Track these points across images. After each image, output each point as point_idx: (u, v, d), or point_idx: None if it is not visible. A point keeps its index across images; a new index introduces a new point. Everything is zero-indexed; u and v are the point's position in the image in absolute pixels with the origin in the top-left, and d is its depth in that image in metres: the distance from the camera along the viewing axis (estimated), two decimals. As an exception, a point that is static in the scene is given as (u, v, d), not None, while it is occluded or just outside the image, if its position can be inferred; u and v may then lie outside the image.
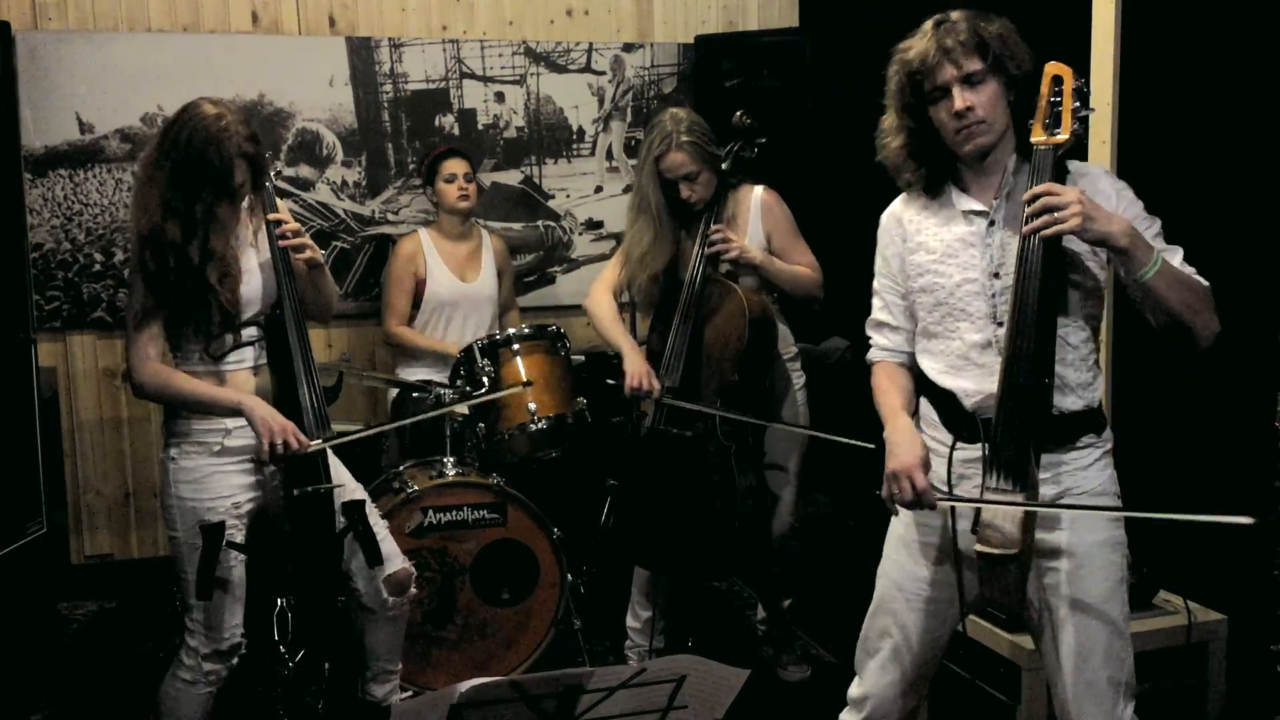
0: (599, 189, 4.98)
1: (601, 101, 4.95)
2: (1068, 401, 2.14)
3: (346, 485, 2.87)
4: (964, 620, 2.38)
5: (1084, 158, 3.03)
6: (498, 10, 4.83)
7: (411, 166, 4.70)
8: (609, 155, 4.98)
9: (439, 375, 4.01)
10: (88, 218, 4.43)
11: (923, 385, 2.30)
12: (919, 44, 2.12)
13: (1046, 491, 2.14)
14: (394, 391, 4.15)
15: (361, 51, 4.65)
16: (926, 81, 2.11)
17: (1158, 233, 2.11)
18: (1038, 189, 2.01)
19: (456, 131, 4.79)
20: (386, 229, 4.70)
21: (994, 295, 2.15)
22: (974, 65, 2.07)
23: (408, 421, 3.69)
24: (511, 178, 4.89)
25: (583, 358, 4.07)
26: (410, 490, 3.41)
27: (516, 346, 3.72)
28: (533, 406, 3.62)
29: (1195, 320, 2.04)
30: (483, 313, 4.25)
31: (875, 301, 2.39)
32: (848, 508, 4.38)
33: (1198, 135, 2.99)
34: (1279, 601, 2.56)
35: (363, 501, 2.84)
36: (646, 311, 3.54)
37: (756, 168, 3.45)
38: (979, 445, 2.15)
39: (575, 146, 4.95)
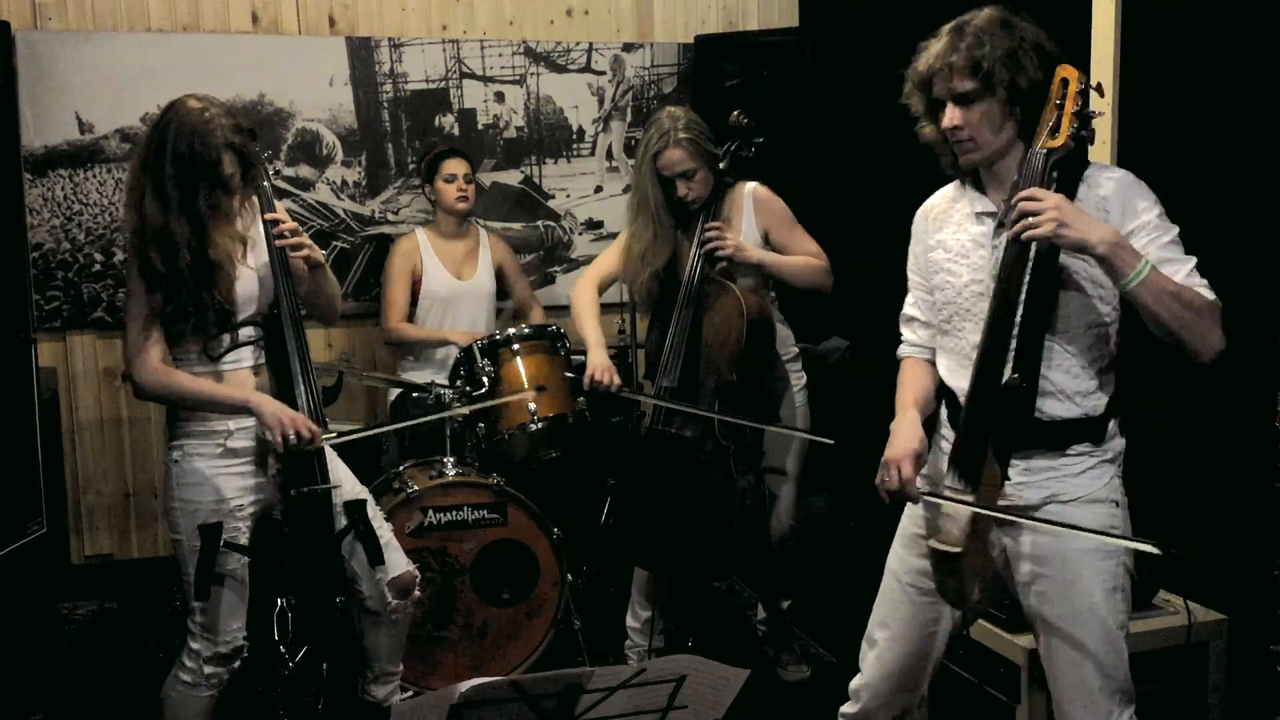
0: (599, 189, 4.98)
1: (601, 101, 4.95)
2: (1061, 408, 2.13)
3: (345, 485, 2.87)
4: (966, 621, 2.39)
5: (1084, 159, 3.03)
6: (498, 10, 4.84)
7: (411, 166, 4.70)
8: (609, 155, 4.98)
9: (440, 375, 4.01)
10: (88, 218, 4.43)
11: (939, 382, 2.32)
12: (931, 50, 2.12)
13: (1029, 495, 2.15)
14: (394, 391, 4.15)
15: (361, 51, 4.65)
16: (931, 90, 2.13)
17: (1170, 242, 2.06)
18: (1021, 193, 2.01)
19: (456, 131, 4.79)
20: (386, 229, 4.70)
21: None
22: (965, 85, 2.07)
23: (409, 424, 3.68)
24: (511, 178, 4.89)
25: (582, 358, 4.06)
26: (410, 490, 3.41)
27: (516, 346, 3.72)
28: (533, 406, 3.62)
29: (1187, 335, 1.99)
30: (479, 311, 4.25)
31: (908, 297, 2.41)
32: (848, 508, 4.38)
33: (1198, 135, 2.99)
34: (1279, 601, 2.56)
35: (364, 501, 2.84)
36: (646, 310, 3.54)
37: (754, 167, 3.45)
38: None
39: (575, 146, 4.95)
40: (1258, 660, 2.65)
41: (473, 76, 4.79)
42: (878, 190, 3.87)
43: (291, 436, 2.59)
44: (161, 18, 4.45)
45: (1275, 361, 2.63)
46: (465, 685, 1.70)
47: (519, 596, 3.57)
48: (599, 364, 3.29)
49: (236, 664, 2.75)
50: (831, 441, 3.11)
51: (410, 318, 4.24)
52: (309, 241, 2.78)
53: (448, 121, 4.78)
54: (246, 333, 2.74)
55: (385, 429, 3.75)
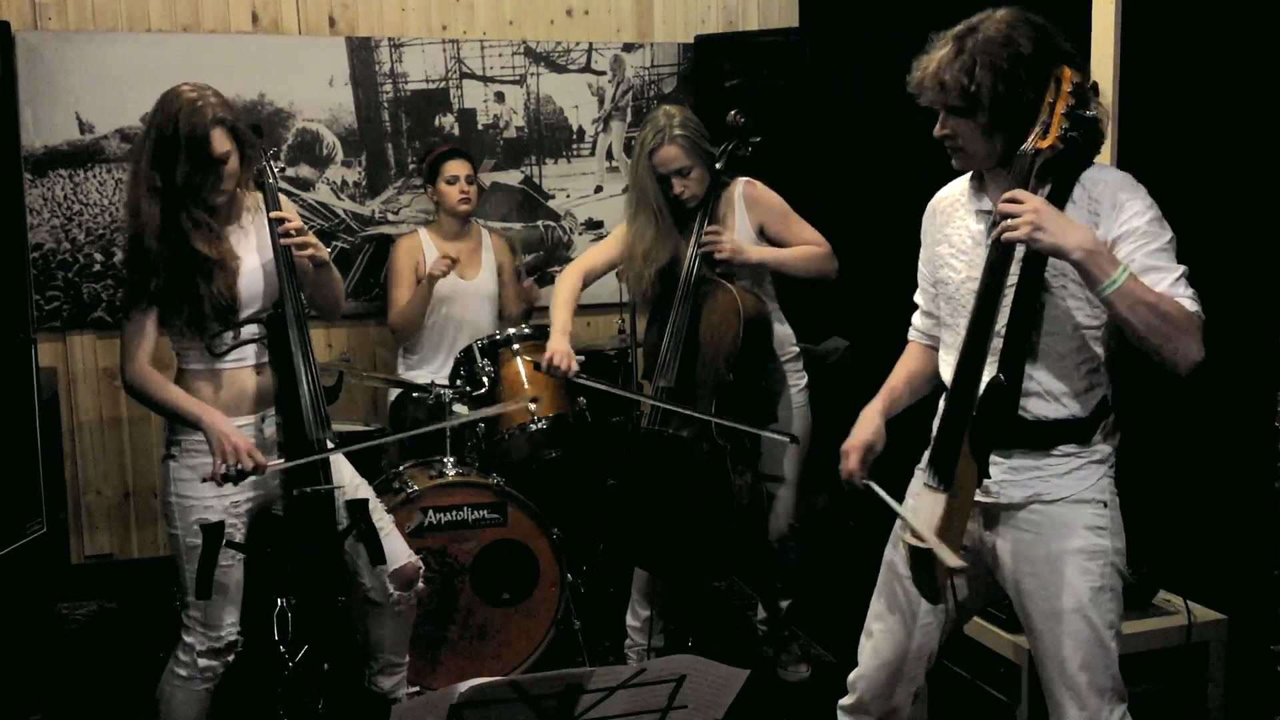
0: (599, 189, 4.98)
1: (601, 101, 4.95)
2: (1047, 408, 2.14)
3: (347, 485, 2.87)
4: (961, 617, 2.39)
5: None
6: (498, 10, 4.83)
7: (411, 166, 4.70)
8: (609, 155, 4.98)
9: (440, 375, 4.01)
10: (88, 218, 4.43)
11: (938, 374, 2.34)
12: (932, 59, 2.10)
13: (1012, 494, 2.17)
14: (394, 392, 4.15)
15: (361, 51, 4.65)
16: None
17: (1159, 249, 2.04)
18: (1004, 195, 2.01)
19: (456, 131, 4.78)
20: (386, 229, 4.70)
21: None
22: (956, 103, 2.07)
23: (410, 434, 3.65)
24: (511, 178, 4.89)
25: (583, 357, 4.06)
26: (410, 490, 3.41)
27: (516, 346, 3.72)
28: (533, 406, 3.62)
29: (1164, 345, 1.97)
30: (481, 311, 4.25)
31: (920, 283, 2.45)
32: (848, 508, 4.38)
33: (1198, 135, 2.99)
34: (1279, 601, 2.56)
35: (365, 500, 2.83)
36: (645, 308, 3.54)
37: (751, 166, 3.45)
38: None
39: (575, 146, 4.95)
40: (1258, 660, 2.65)
41: (473, 76, 4.79)
42: (878, 190, 3.87)
43: (233, 465, 2.56)
44: (161, 18, 4.45)
45: (1275, 361, 2.63)
46: (465, 685, 1.71)
47: (519, 596, 3.57)
48: (558, 349, 3.24)
49: (231, 657, 2.76)
50: (788, 439, 3.14)
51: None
52: (314, 240, 2.78)
53: (448, 121, 4.78)
54: (250, 330, 2.74)
55: (387, 440, 3.74)
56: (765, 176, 3.48)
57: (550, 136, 4.91)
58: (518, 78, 4.84)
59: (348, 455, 2.95)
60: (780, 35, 4.81)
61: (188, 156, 2.56)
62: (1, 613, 3.64)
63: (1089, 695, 2.12)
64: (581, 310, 3.59)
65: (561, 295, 3.41)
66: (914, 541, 2.11)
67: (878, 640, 2.38)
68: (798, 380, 3.52)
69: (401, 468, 3.62)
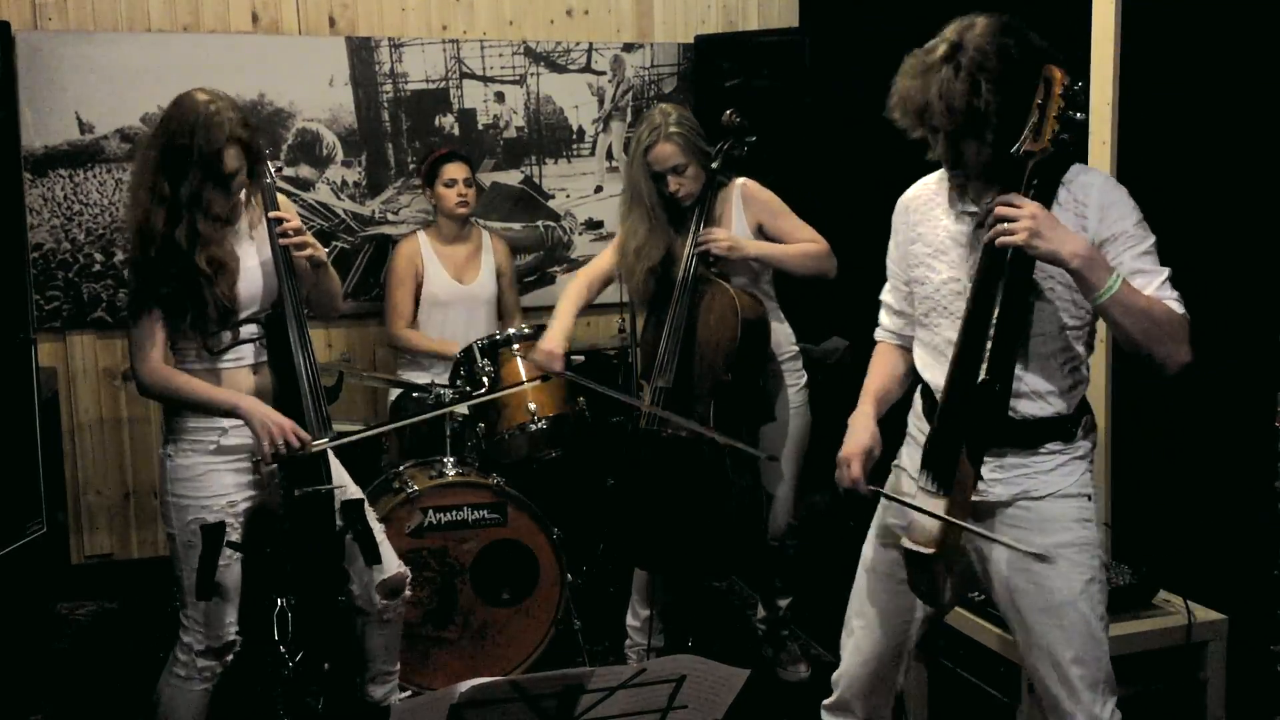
0: (599, 189, 4.98)
1: (601, 101, 4.95)
2: (1033, 407, 2.15)
3: (346, 485, 2.87)
4: (941, 612, 2.41)
5: (1084, 158, 3.03)
6: (498, 10, 4.83)
7: (411, 166, 4.70)
8: (609, 155, 4.98)
9: (440, 377, 4.01)
10: (88, 218, 4.43)
11: (917, 373, 2.34)
12: (912, 90, 2.05)
13: (999, 492, 2.17)
14: (394, 392, 4.15)
15: (361, 51, 4.65)
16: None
17: (1144, 252, 2.06)
18: (1000, 198, 2.01)
19: (456, 131, 4.78)
20: (386, 229, 4.70)
21: None
22: (960, 123, 2.04)
23: (408, 422, 3.69)
24: (511, 178, 4.89)
25: (582, 358, 4.07)
26: (410, 490, 3.41)
27: (516, 346, 3.72)
28: (533, 406, 3.62)
29: (1155, 349, 2.00)
30: (480, 313, 4.25)
31: (887, 283, 2.43)
32: (847, 507, 4.37)
33: (1198, 135, 2.99)
34: (1279, 601, 2.56)
35: (361, 500, 2.84)
36: (642, 307, 3.54)
37: (749, 166, 3.45)
38: None
39: (575, 146, 4.95)
40: (1258, 660, 2.65)
41: (473, 76, 4.79)
42: (878, 190, 3.86)
43: (280, 445, 2.58)
44: (161, 18, 4.45)
45: (1275, 361, 2.63)
46: (465, 685, 1.70)
47: (519, 596, 3.57)
48: (547, 345, 3.29)
49: (229, 657, 2.76)
50: (761, 454, 3.17)
51: (412, 321, 4.23)
52: (313, 240, 2.79)
53: (448, 121, 4.78)
54: (248, 330, 2.75)
55: (384, 428, 3.75)
56: (765, 176, 3.48)
57: (550, 136, 4.91)
58: (518, 78, 4.84)
59: (346, 457, 2.95)
60: (780, 35, 4.81)
61: (199, 170, 2.57)
62: (1, 613, 3.64)
63: (1083, 689, 2.13)
64: (582, 310, 3.59)
65: (566, 299, 3.44)
66: (915, 547, 2.11)
67: (859, 638, 2.40)
68: (796, 380, 3.52)
69: (401, 468, 3.62)
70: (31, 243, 4.31)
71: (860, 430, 2.28)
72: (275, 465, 2.62)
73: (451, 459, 3.56)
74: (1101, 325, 2.23)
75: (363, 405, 4.69)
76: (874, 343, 2.49)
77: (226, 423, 2.69)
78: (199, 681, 2.73)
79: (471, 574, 3.50)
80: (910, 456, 2.33)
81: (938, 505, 2.10)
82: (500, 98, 4.83)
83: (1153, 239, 2.07)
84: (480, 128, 4.82)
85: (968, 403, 2.07)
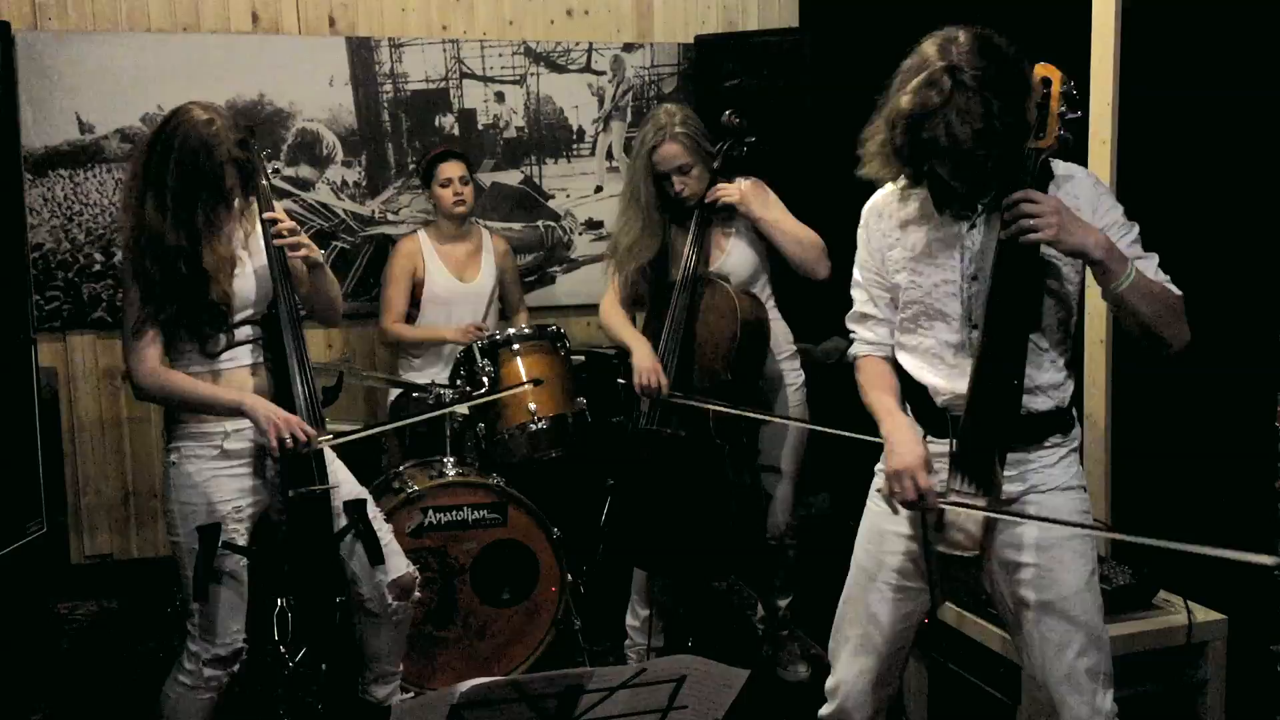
0: (599, 189, 4.98)
1: (601, 101, 4.95)
2: (1037, 402, 2.16)
3: (344, 486, 2.86)
4: (934, 610, 2.40)
5: (1084, 158, 3.03)
6: (498, 10, 4.83)
7: (412, 166, 4.70)
8: (609, 155, 4.98)
9: (440, 376, 4.01)
10: (88, 218, 4.43)
11: (901, 379, 2.32)
12: (932, 98, 1.98)
13: (1012, 489, 2.17)
14: (394, 392, 4.15)
15: (361, 51, 4.65)
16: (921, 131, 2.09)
17: (1135, 239, 2.12)
18: (1016, 195, 2.01)
19: (456, 131, 4.78)
20: (386, 229, 4.70)
21: (970, 298, 2.16)
22: (982, 144, 1.99)
23: (408, 422, 3.69)
24: (511, 178, 4.89)
25: (583, 358, 4.07)
26: (410, 490, 3.41)
27: (516, 346, 3.72)
28: (533, 406, 3.62)
29: (1164, 330, 2.06)
30: (481, 312, 4.25)
31: (857, 295, 2.38)
32: (847, 507, 4.38)
33: (1198, 135, 2.99)
34: (1279, 601, 2.56)
35: (364, 500, 2.83)
36: (635, 307, 3.54)
37: (749, 166, 3.45)
38: (947, 441, 2.18)
39: (575, 146, 4.95)
40: (1258, 660, 2.65)
41: (473, 76, 4.79)
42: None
43: (287, 439, 2.58)
44: (161, 18, 4.45)
45: (1275, 361, 2.63)
46: (465, 685, 1.70)
47: (519, 596, 3.57)
48: (644, 367, 3.23)
49: (236, 666, 2.75)
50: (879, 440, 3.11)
51: (412, 319, 4.23)
52: (307, 241, 2.78)
53: (448, 121, 4.78)
54: (244, 332, 2.74)
55: (384, 428, 3.75)
56: (765, 176, 3.48)
57: (550, 136, 4.91)
58: (518, 78, 4.84)
59: (346, 457, 2.95)
60: (780, 35, 4.81)
61: (195, 186, 2.57)
62: (1, 613, 3.64)
63: (1086, 681, 2.14)
64: (581, 310, 3.60)
65: (617, 323, 3.43)
66: (958, 551, 2.10)
67: (855, 646, 2.37)
68: (795, 379, 3.52)
69: (401, 468, 3.62)
70: (31, 243, 4.31)
71: (910, 440, 2.18)
72: (284, 457, 2.60)
73: (451, 459, 3.56)
74: (1097, 325, 2.24)
75: (363, 405, 4.69)
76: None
77: (229, 426, 2.69)
78: (205, 690, 2.72)
79: (471, 574, 3.50)
80: None
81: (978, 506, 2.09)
82: (500, 98, 4.83)
83: (1137, 227, 2.14)
84: (480, 128, 4.82)
85: (997, 402, 2.07)
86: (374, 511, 2.92)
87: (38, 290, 4.35)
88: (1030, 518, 2.15)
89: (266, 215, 2.73)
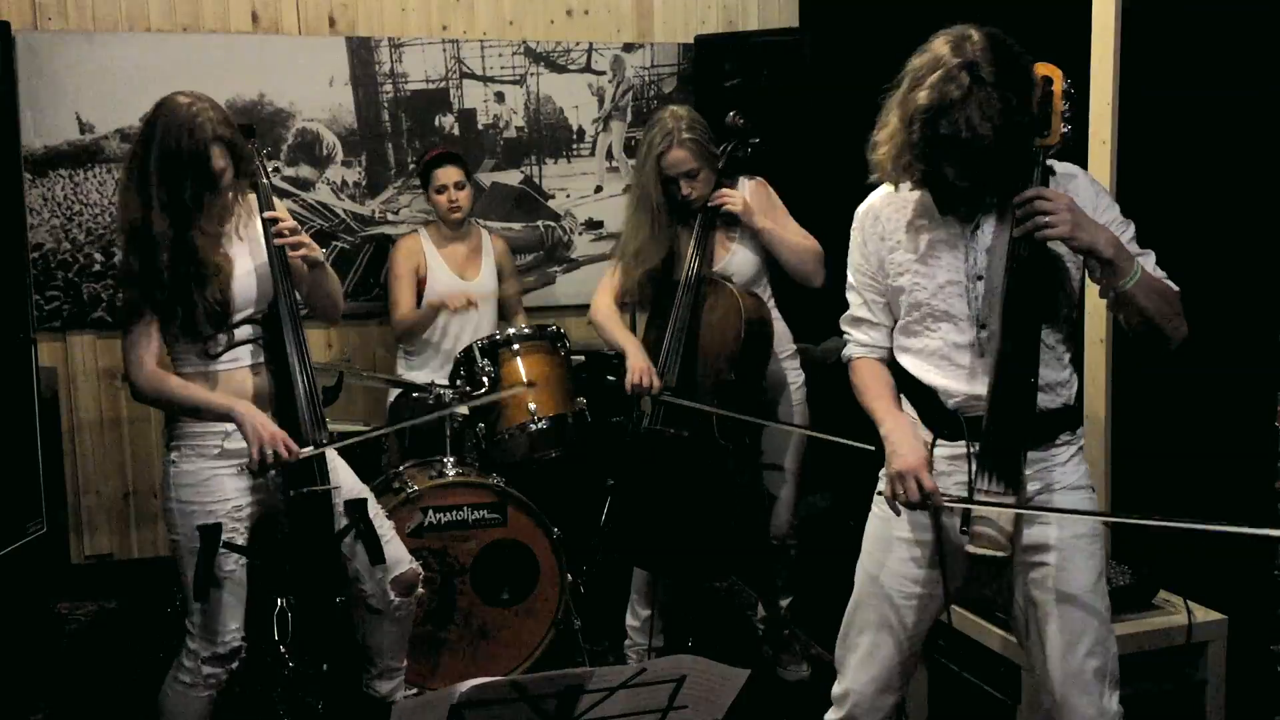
0: (599, 189, 4.98)
1: (601, 101, 4.95)
2: (1048, 400, 2.17)
3: (345, 486, 2.86)
4: (948, 613, 2.40)
5: (1084, 158, 3.03)
6: (498, 10, 4.83)
7: (412, 166, 4.70)
8: (609, 155, 4.98)
9: (440, 375, 4.01)
10: (88, 218, 4.43)
11: (902, 382, 2.31)
12: (948, 91, 1.98)
13: (1029, 488, 2.17)
14: (394, 391, 4.15)
15: (361, 51, 4.65)
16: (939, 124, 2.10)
17: (1132, 236, 2.13)
18: (1029, 193, 2.01)
19: (456, 131, 4.78)
20: (386, 229, 4.70)
21: (976, 298, 2.15)
22: (1005, 139, 1.99)
23: (408, 424, 3.68)
24: (511, 178, 4.89)
25: (583, 357, 4.06)
26: (410, 490, 3.41)
27: (516, 346, 3.72)
28: (533, 406, 3.62)
29: (1166, 325, 2.08)
30: (482, 311, 4.25)
31: (852, 297, 2.38)
32: (848, 508, 4.38)
33: (1198, 135, 2.99)
34: (1279, 601, 2.56)
35: (364, 500, 2.83)
36: (641, 309, 3.54)
37: (751, 167, 3.46)
38: (961, 443, 2.17)
39: (575, 146, 4.95)
40: (1258, 660, 2.65)
41: (473, 76, 4.79)
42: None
43: (269, 454, 2.56)
44: (161, 18, 4.45)
45: (1275, 361, 2.63)
46: (465, 685, 1.70)
47: (519, 596, 3.57)
48: (638, 366, 3.24)
49: (235, 665, 2.74)
50: (873, 448, 3.11)
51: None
52: (308, 240, 2.77)
53: (448, 122, 4.78)
54: (245, 332, 2.73)
55: (385, 430, 3.75)
56: (766, 176, 3.49)
57: (550, 136, 4.91)
58: (518, 78, 4.84)
59: (348, 457, 2.95)
60: (780, 35, 4.81)
61: (183, 173, 2.55)
62: (1, 613, 3.64)
63: (1094, 682, 2.14)
64: (581, 310, 3.60)
65: (609, 320, 3.43)
66: (989, 552, 2.07)
67: (866, 654, 2.35)
68: (796, 378, 3.53)
69: (401, 468, 3.62)
70: (31, 243, 4.31)
71: (910, 441, 2.17)
72: (261, 472, 2.59)
73: (451, 459, 3.56)
74: (1096, 324, 2.25)
75: (363, 405, 4.69)
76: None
77: (229, 426, 2.68)
78: (203, 689, 2.72)
79: (471, 574, 3.50)
80: None
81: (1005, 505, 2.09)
82: (500, 98, 4.83)
83: (1133, 225, 2.16)
84: (480, 128, 4.82)
85: (1019, 401, 2.08)
86: (375, 509, 2.92)
87: (38, 290, 4.35)
88: (1048, 510, 2.15)
89: (267, 214, 2.72)
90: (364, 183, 4.71)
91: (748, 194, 3.42)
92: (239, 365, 2.73)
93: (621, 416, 4.09)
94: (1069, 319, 2.20)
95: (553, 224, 4.96)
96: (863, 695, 2.37)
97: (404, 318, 4.18)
